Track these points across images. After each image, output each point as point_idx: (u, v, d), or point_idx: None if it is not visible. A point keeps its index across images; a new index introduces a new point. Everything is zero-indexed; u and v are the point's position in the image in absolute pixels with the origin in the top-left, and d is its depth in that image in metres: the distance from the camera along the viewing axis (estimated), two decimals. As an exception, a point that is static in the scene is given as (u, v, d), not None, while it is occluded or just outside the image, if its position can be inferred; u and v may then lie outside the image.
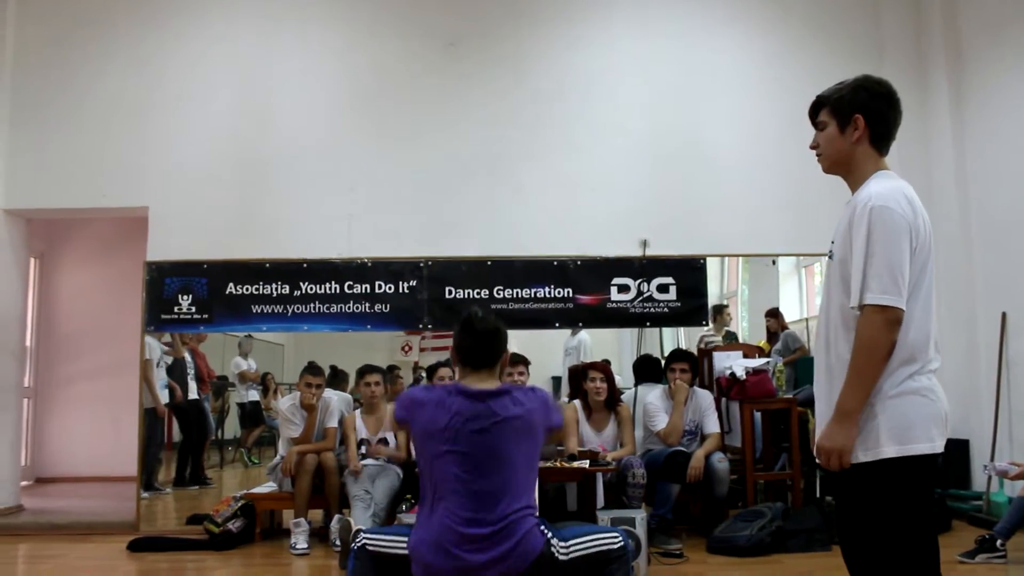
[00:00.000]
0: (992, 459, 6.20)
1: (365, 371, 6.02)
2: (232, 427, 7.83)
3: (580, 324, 6.83)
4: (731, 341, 7.29)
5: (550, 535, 2.73)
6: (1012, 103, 6.38)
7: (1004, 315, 6.38)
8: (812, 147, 2.59)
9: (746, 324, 8.18)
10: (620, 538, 2.78)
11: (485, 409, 2.78)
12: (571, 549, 2.72)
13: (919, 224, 2.36)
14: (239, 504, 5.93)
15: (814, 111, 2.58)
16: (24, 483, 7.93)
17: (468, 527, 2.68)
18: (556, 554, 2.70)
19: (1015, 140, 6.31)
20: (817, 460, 2.41)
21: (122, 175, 6.82)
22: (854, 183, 2.51)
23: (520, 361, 5.72)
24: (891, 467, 2.29)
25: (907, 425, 2.30)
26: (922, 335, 2.35)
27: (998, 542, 4.87)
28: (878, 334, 2.27)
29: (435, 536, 2.68)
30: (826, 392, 2.43)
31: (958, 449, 6.57)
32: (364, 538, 2.76)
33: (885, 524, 2.32)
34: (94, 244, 9.31)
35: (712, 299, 7.20)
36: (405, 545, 2.73)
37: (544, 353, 6.66)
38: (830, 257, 2.49)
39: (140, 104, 6.91)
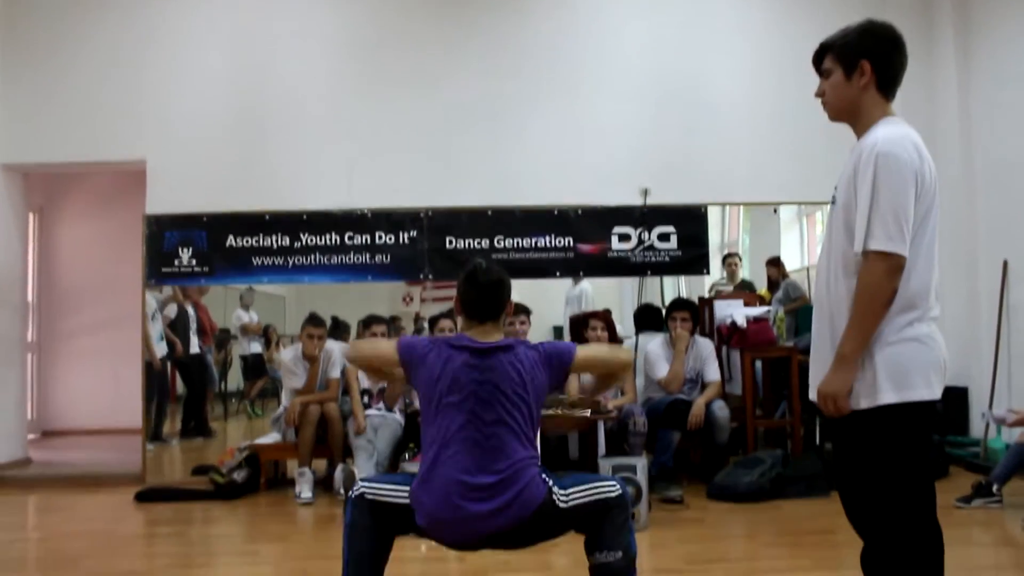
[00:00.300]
0: (991, 406, 6.24)
1: (370, 321, 6.01)
2: (235, 379, 7.89)
3: (581, 273, 6.83)
4: (745, 290, 7.25)
5: (551, 483, 2.75)
6: (1019, 47, 6.29)
7: (1005, 263, 6.37)
8: (818, 95, 2.55)
9: (747, 273, 8.17)
10: (618, 486, 2.80)
11: (490, 362, 2.78)
12: (571, 497, 2.75)
13: (925, 171, 2.33)
14: (244, 455, 5.99)
15: (818, 58, 2.54)
16: (31, 436, 8.01)
17: (472, 477, 2.68)
18: (557, 502, 2.72)
19: (1022, 85, 6.24)
20: (816, 404, 2.43)
21: (119, 128, 6.76)
22: (860, 129, 2.48)
23: (521, 311, 5.73)
24: (890, 413, 2.30)
25: (906, 372, 2.30)
26: (923, 283, 2.34)
27: (994, 487, 4.92)
28: (880, 280, 2.26)
29: (439, 486, 2.69)
30: (827, 337, 2.42)
31: (957, 396, 6.60)
32: (362, 487, 2.76)
33: (884, 470, 2.33)
34: (93, 198, 9.27)
35: (713, 248, 7.20)
36: (405, 494, 2.74)
37: (545, 303, 6.67)
38: (833, 203, 2.47)
39: (137, 56, 6.83)
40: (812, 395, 2.48)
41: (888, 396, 2.30)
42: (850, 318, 2.31)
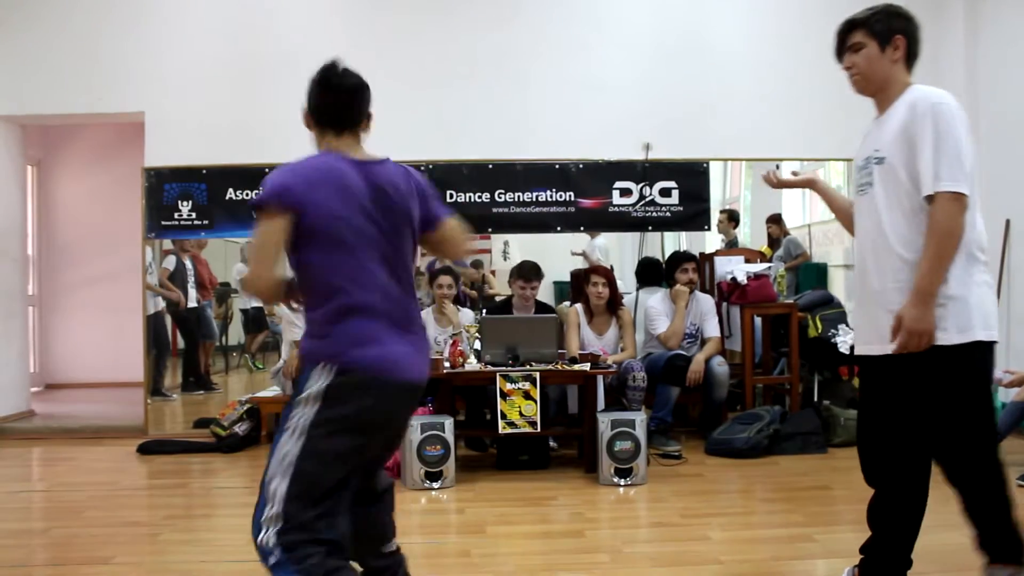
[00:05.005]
0: (990, 366, 6.24)
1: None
2: (236, 333, 7.91)
3: (582, 228, 6.80)
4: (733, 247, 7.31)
5: None
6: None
7: (1008, 222, 6.34)
8: (847, 67, 2.74)
9: (748, 230, 8.16)
10: None
11: (380, 183, 2.36)
12: None
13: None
14: (245, 408, 6.04)
15: (845, 33, 2.72)
16: (34, 389, 8.06)
17: (406, 330, 2.35)
18: None
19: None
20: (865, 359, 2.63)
21: (117, 79, 6.68)
22: (885, 100, 2.68)
23: (535, 275, 5.65)
24: (979, 349, 2.53)
25: (988, 312, 2.55)
26: (982, 228, 2.57)
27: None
28: (954, 219, 2.44)
29: (390, 348, 2.29)
30: (876, 289, 2.61)
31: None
32: None
33: (972, 401, 2.55)
34: (91, 151, 9.20)
35: (715, 204, 7.17)
36: None
37: (547, 258, 6.64)
38: (879, 162, 2.60)
39: (135, 6, 6.72)
40: (864, 348, 2.70)
41: (980, 333, 2.51)
42: (927, 257, 2.46)
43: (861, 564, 2.80)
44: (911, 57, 2.68)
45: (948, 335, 2.47)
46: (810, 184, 3.10)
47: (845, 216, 2.91)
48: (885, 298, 2.57)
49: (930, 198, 2.46)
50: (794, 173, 3.33)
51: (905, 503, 2.68)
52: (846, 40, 2.72)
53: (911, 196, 2.52)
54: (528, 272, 5.61)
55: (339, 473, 2.24)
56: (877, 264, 2.61)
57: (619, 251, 7.77)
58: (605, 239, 7.26)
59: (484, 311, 6.24)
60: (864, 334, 2.72)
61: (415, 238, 2.49)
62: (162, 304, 7.16)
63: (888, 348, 2.54)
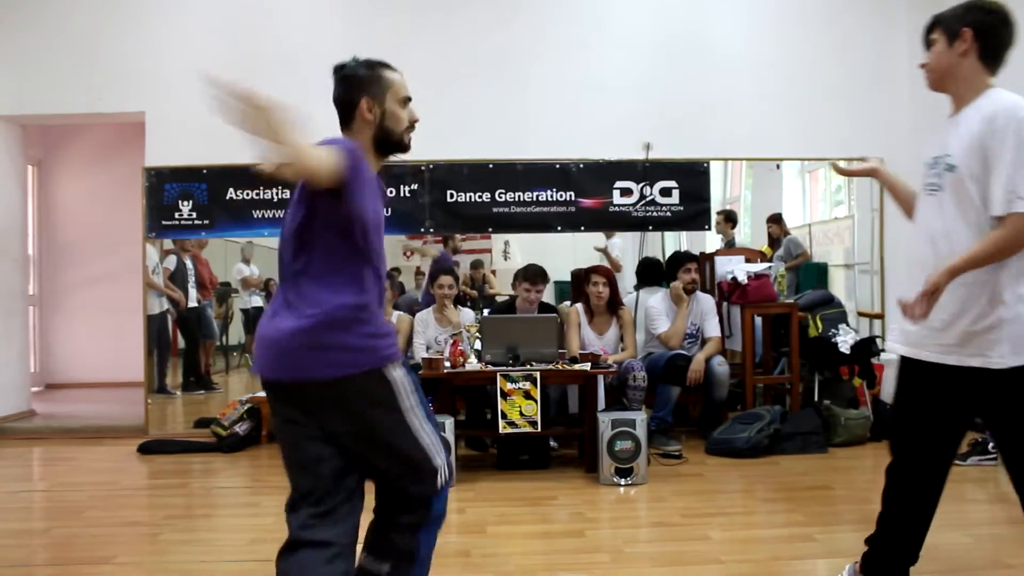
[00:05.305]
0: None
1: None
2: (236, 333, 7.91)
3: (582, 228, 6.80)
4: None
5: None
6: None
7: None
8: (922, 65, 2.65)
9: (748, 229, 8.16)
10: None
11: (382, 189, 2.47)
12: None
13: None
14: (245, 407, 6.03)
15: (927, 32, 2.65)
16: (34, 389, 8.06)
17: (268, 321, 2.27)
18: None
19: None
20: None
21: (117, 80, 6.68)
22: (960, 98, 2.58)
23: (541, 279, 5.64)
24: None
25: None
26: None
27: (990, 445, 4.95)
28: (1020, 239, 2.39)
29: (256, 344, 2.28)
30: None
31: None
32: None
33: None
34: (92, 151, 9.21)
35: (715, 204, 7.16)
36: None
37: (547, 258, 6.63)
38: (949, 169, 2.53)
39: (135, 6, 6.73)
40: (913, 352, 2.63)
41: None
42: (977, 251, 2.41)
43: (864, 556, 2.80)
44: (988, 53, 2.55)
45: (1004, 359, 2.43)
46: (873, 172, 3.04)
47: (906, 206, 2.86)
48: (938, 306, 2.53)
49: (1001, 217, 2.40)
50: (863, 158, 3.29)
51: (923, 495, 2.67)
52: (927, 38, 2.65)
53: (979, 212, 2.46)
54: (534, 275, 5.61)
55: (304, 480, 2.23)
56: (937, 268, 2.55)
57: (619, 251, 7.76)
58: (621, 238, 7.23)
59: (485, 310, 6.24)
60: (915, 337, 2.63)
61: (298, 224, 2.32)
62: (167, 304, 7.16)
63: (946, 359, 2.52)
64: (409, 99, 2.48)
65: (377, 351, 2.20)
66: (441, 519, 2.45)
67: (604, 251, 7.22)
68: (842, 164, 3.21)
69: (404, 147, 2.53)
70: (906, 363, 2.70)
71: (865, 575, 2.80)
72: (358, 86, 2.48)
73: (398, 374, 2.23)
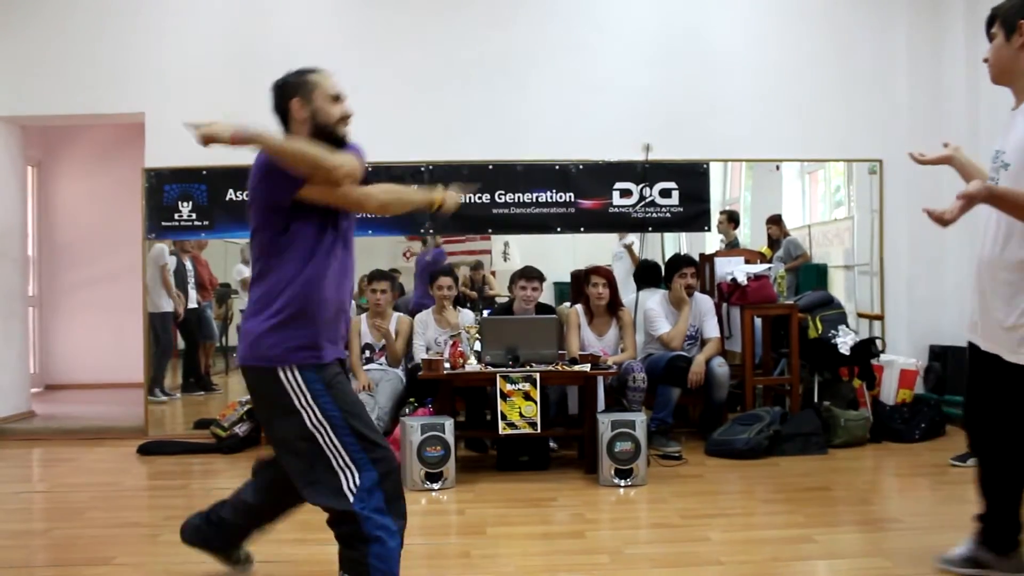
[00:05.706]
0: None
1: (373, 277, 5.97)
2: (236, 334, 7.90)
3: (582, 229, 6.79)
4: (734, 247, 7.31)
5: None
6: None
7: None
8: (985, 60, 2.66)
9: (748, 230, 8.15)
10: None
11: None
12: None
13: None
14: (245, 409, 6.02)
15: (988, 26, 2.65)
16: (34, 390, 8.06)
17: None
18: None
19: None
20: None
21: (117, 80, 6.67)
22: (1018, 91, 2.60)
23: (536, 277, 5.66)
24: None
25: None
26: None
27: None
28: None
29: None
30: (996, 295, 2.60)
31: (956, 356, 6.60)
32: None
33: None
34: (91, 151, 9.20)
35: (715, 205, 7.16)
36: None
37: (547, 259, 6.64)
38: (1004, 167, 2.55)
39: (135, 6, 6.72)
40: (984, 344, 2.70)
41: None
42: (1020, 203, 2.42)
43: (977, 532, 2.90)
44: None
45: None
46: (948, 160, 3.03)
47: None
48: (988, 316, 2.59)
49: None
50: (945, 145, 3.22)
51: (1007, 473, 2.77)
52: (988, 32, 2.65)
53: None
54: (530, 271, 5.62)
55: None
56: (992, 262, 2.61)
57: (637, 249, 7.75)
58: (636, 238, 7.23)
59: (485, 312, 6.24)
60: (983, 330, 2.70)
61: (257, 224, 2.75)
62: (170, 305, 7.16)
63: (1012, 358, 2.57)
64: (339, 96, 2.77)
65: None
66: (392, 533, 2.53)
67: (630, 248, 7.22)
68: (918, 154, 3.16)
69: (339, 139, 2.70)
70: (978, 351, 2.77)
71: (985, 546, 2.90)
72: (290, 92, 2.83)
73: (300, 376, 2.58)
